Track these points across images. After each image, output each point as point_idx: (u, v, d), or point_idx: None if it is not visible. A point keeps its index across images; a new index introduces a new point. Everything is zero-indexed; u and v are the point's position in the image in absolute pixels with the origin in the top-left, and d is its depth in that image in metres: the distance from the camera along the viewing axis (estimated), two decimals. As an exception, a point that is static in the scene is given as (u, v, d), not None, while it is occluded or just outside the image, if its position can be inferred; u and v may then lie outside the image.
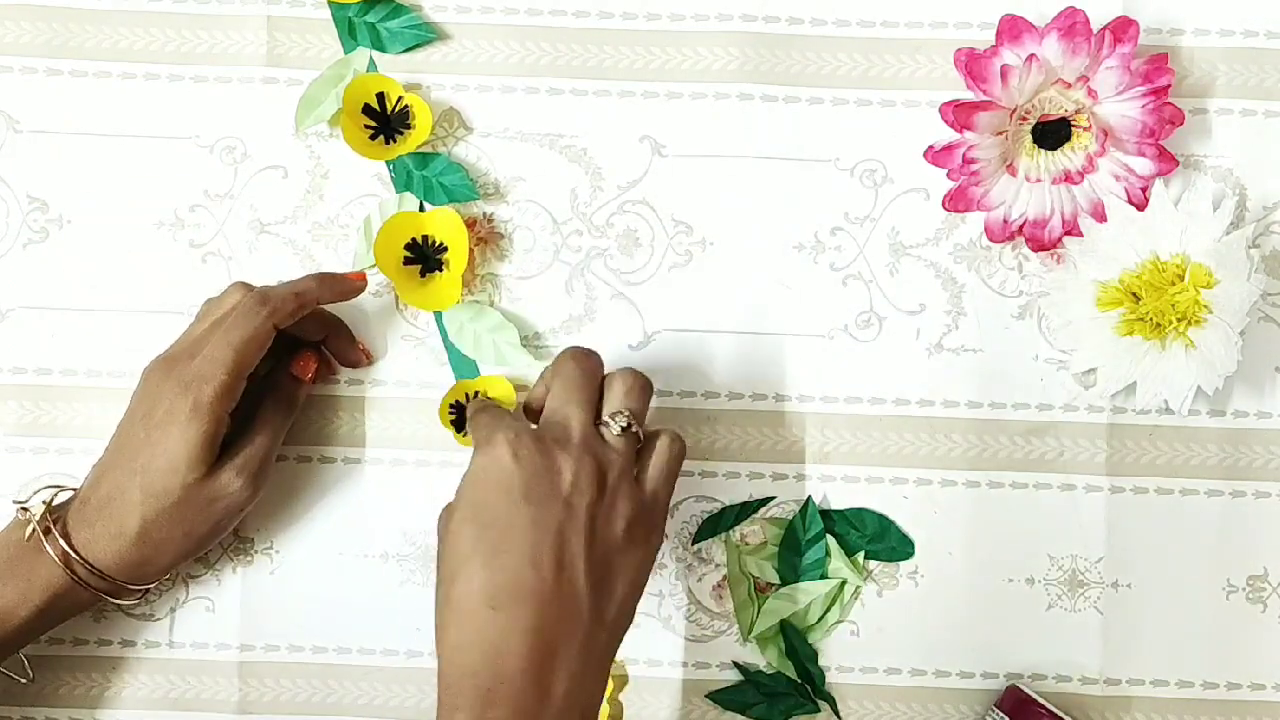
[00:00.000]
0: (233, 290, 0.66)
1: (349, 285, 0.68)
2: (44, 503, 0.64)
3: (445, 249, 0.69)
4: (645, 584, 0.61)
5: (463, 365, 0.70)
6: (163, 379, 0.64)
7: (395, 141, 0.69)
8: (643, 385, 0.63)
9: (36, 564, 0.63)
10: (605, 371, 0.64)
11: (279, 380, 0.67)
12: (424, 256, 0.69)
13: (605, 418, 0.61)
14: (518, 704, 0.55)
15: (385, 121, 0.69)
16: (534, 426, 0.61)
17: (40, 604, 0.63)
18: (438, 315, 0.70)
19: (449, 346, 0.70)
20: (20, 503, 0.64)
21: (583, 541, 0.58)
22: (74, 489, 0.65)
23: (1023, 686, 0.68)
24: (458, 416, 0.69)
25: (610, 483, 0.60)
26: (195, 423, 0.62)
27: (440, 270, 0.69)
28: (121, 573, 0.64)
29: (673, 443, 0.63)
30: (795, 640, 0.69)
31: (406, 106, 0.68)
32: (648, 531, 0.61)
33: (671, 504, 0.69)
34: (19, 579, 0.63)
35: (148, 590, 0.66)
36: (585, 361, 0.63)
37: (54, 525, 0.63)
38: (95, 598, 0.64)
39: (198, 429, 0.62)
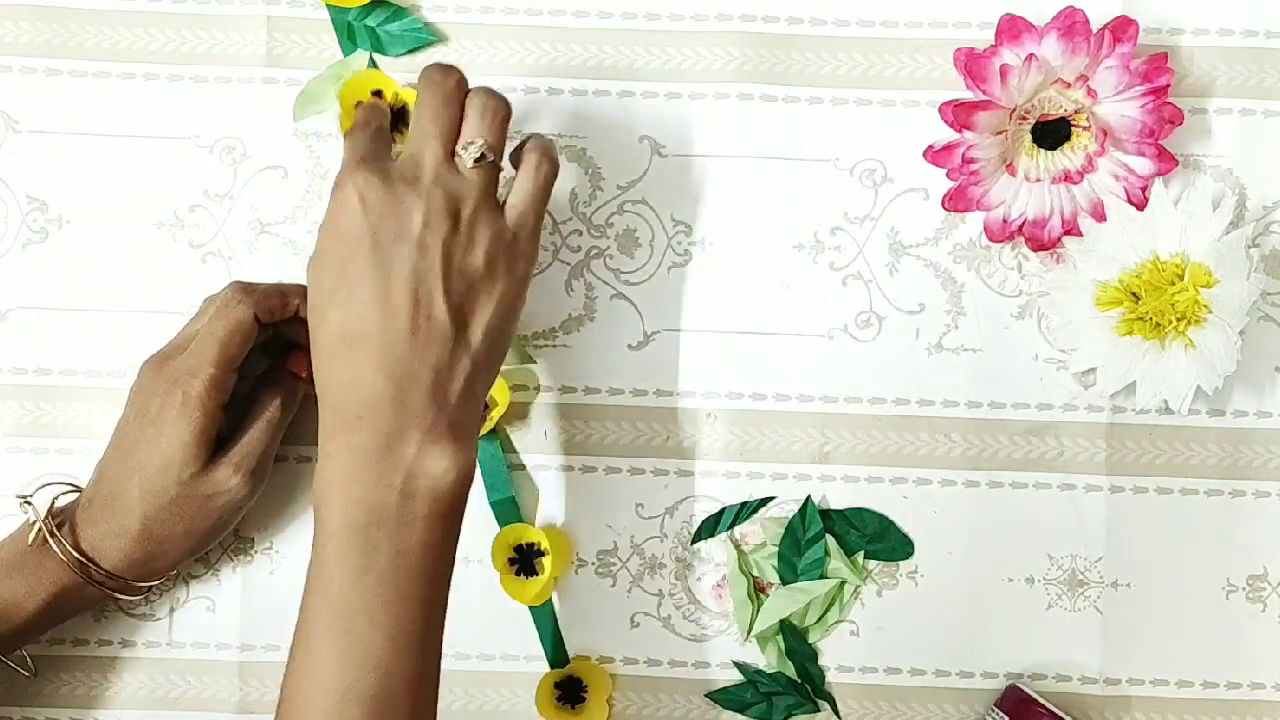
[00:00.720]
0: (226, 288, 0.66)
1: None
2: (47, 506, 0.64)
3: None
4: (517, 314, 0.61)
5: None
6: (155, 376, 0.64)
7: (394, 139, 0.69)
8: (496, 108, 0.61)
9: (43, 561, 0.63)
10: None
11: (277, 377, 0.67)
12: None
13: (457, 149, 0.60)
14: (380, 428, 0.56)
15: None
16: (388, 164, 0.60)
17: (46, 599, 0.63)
18: None
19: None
20: (23, 496, 0.64)
21: (439, 277, 0.58)
22: (78, 486, 0.66)
23: (1023, 686, 0.68)
24: None
25: (465, 216, 0.59)
26: (186, 418, 0.63)
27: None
28: (128, 570, 0.64)
29: (540, 164, 0.62)
30: (795, 640, 0.69)
31: (404, 105, 0.68)
32: (512, 260, 0.60)
33: (672, 503, 0.69)
34: (26, 574, 0.63)
35: (152, 587, 0.66)
36: (442, 86, 0.61)
37: (59, 525, 0.63)
38: (102, 594, 0.64)
39: (189, 424, 0.63)
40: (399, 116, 0.69)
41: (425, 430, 0.57)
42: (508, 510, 0.69)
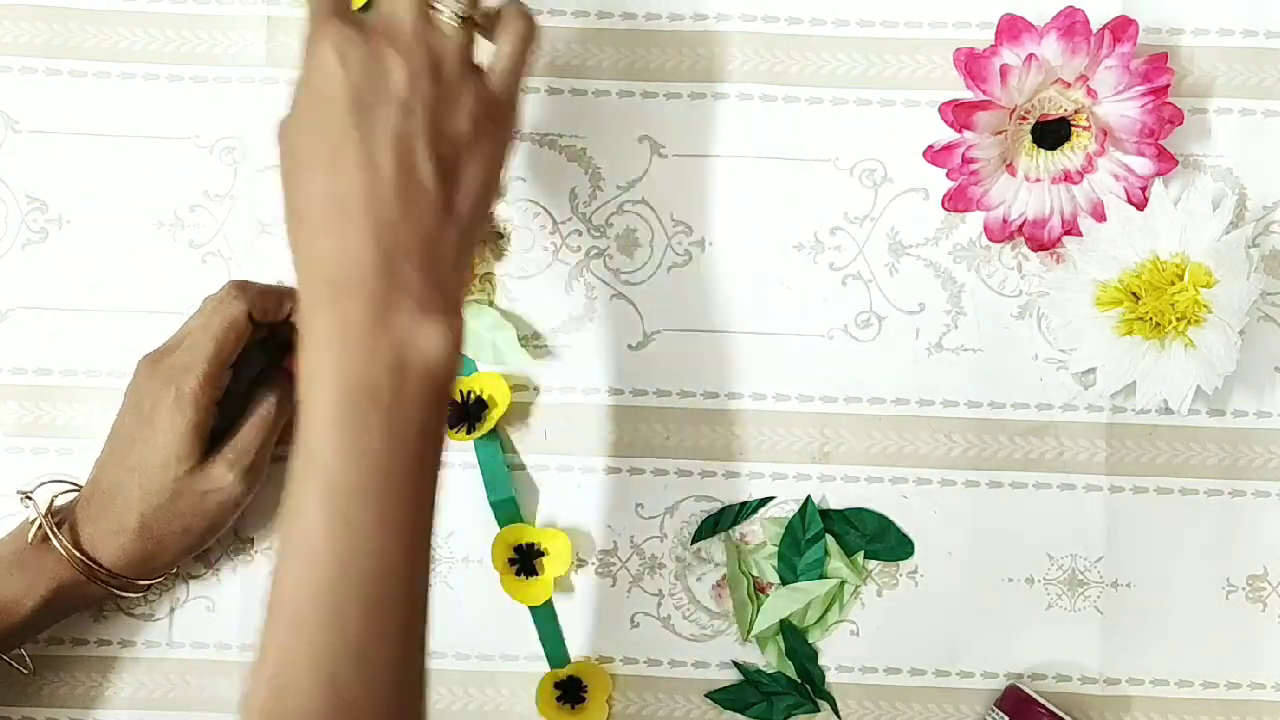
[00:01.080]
0: (223, 286, 0.66)
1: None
2: (47, 503, 0.64)
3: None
4: (499, 178, 0.58)
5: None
6: (149, 374, 0.64)
7: None
8: None
9: (43, 558, 0.63)
10: None
11: (273, 376, 0.67)
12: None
13: (436, 5, 0.57)
14: (370, 298, 0.54)
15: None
16: (361, 17, 0.57)
17: (46, 596, 0.63)
18: None
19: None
20: (24, 492, 0.65)
21: (425, 139, 0.55)
22: (77, 485, 0.66)
23: (1022, 686, 0.68)
24: (453, 414, 0.69)
25: (447, 75, 0.56)
26: (180, 414, 0.63)
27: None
28: (126, 568, 0.64)
29: (519, 23, 0.59)
30: (795, 640, 0.69)
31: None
32: (496, 123, 0.57)
33: (672, 503, 0.69)
34: (27, 571, 0.63)
35: (152, 585, 0.67)
36: None
37: (58, 523, 0.64)
38: (102, 592, 0.65)
39: (183, 420, 0.63)
40: None
41: (417, 301, 0.54)
42: (508, 510, 0.69)
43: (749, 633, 0.69)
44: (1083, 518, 0.69)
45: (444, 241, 0.55)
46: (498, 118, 0.58)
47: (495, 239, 0.70)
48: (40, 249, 0.70)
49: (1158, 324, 0.66)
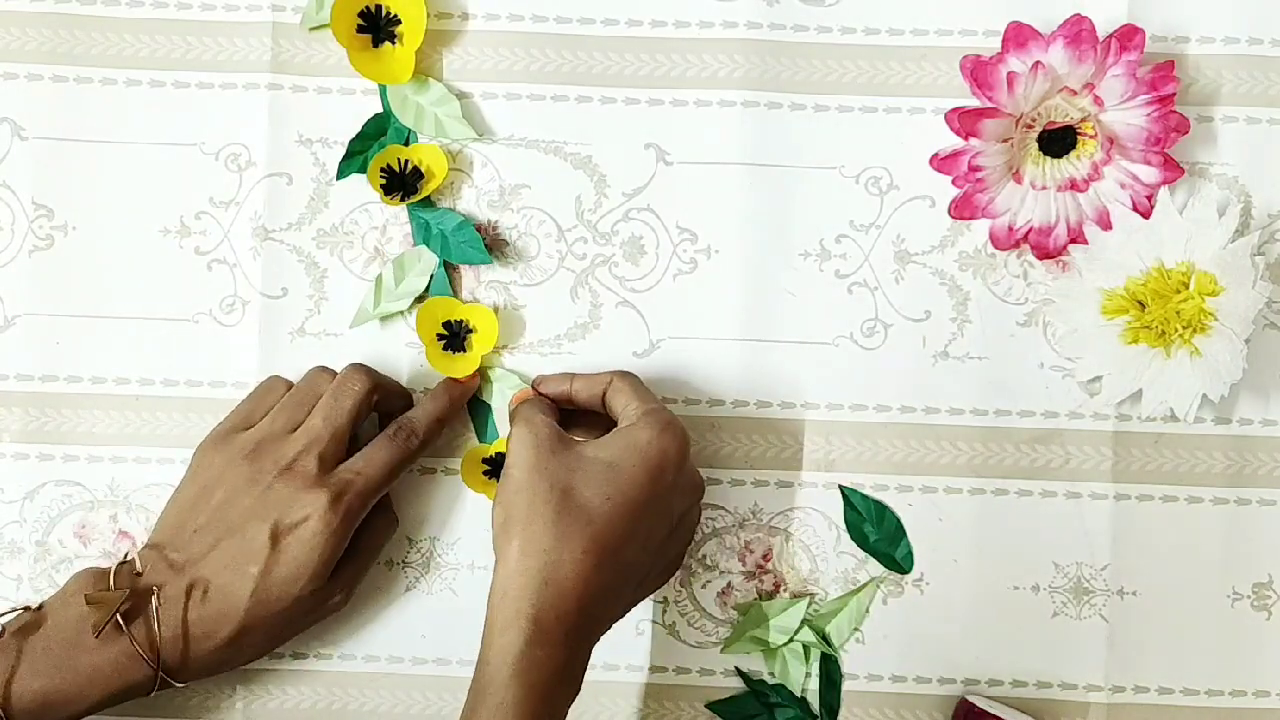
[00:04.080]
0: (343, 378, 0.67)
1: (460, 389, 0.69)
2: (120, 592, 0.62)
3: (399, 22, 0.68)
4: None
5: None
6: (301, 488, 0.63)
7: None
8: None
9: (106, 650, 0.61)
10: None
11: (383, 501, 0.68)
12: (376, 27, 0.68)
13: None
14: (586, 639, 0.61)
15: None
16: (648, 413, 0.63)
17: (107, 694, 0.61)
18: (382, 89, 0.69)
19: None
20: (120, 563, 0.63)
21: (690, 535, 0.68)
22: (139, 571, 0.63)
23: (972, 698, 0.68)
24: (389, 182, 0.69)
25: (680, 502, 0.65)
26: (335, 537, 0.62)
27: (393, 42, 0.68)
28: (200, 671, 0.63)
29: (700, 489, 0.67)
30: (833, 673, 0.69)
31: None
32: (675, 562, 0.68)
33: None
34: (83, 664, 0.61)
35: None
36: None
37: (128, 613, 0.61)
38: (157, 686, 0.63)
39: (335, 543, 0.63)
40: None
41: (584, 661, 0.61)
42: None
43: (725, 648, 0.69)
44: (1088, 526, 0.69)
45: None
46: (676, 560, 0.69)
47: (501, 246, 0.70)
48: (46, 255, 0.70)
49: (1163, 332, 0.66)
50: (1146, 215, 0.67)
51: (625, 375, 0.66)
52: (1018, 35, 0.66)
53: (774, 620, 0.69)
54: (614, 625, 0.63)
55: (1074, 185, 0.68)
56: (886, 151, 0.70)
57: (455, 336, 0.69)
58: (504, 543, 0.60)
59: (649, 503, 0.61)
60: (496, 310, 0.69)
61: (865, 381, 0.69)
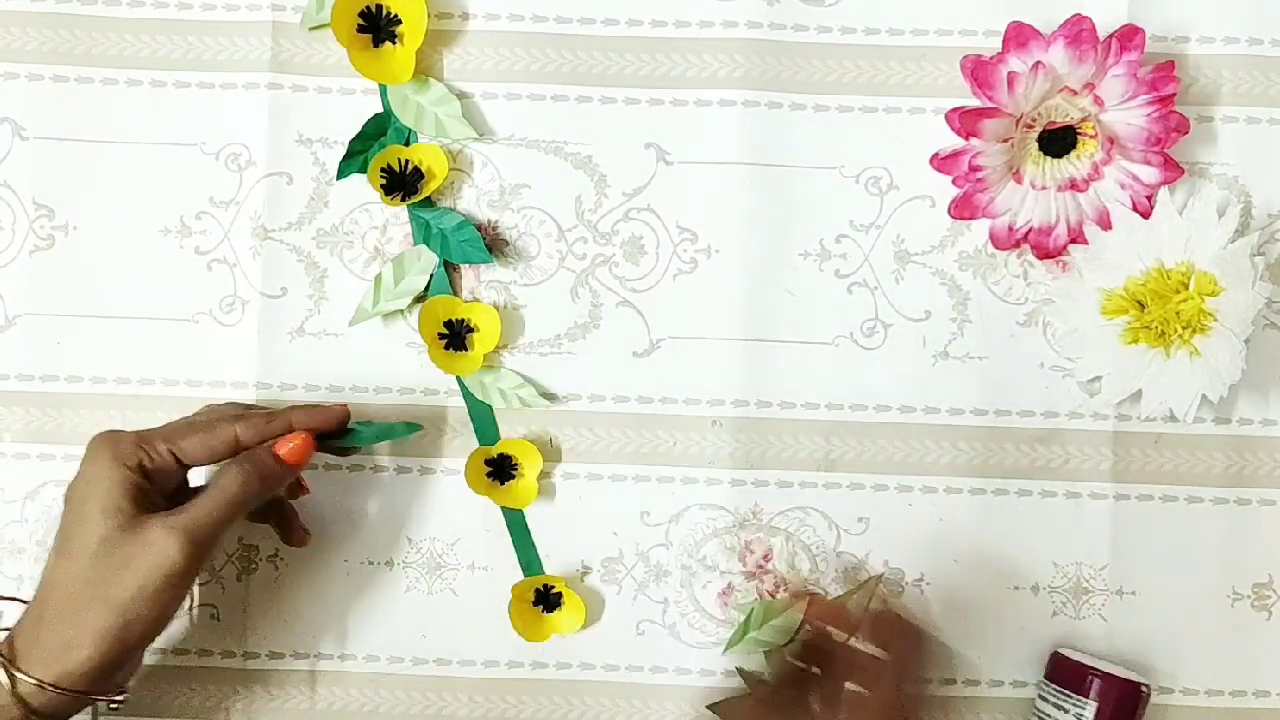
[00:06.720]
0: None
1: (332, 415, 0.64)
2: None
3: (399, 21, 0.68)
4: None
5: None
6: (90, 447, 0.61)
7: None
8: None
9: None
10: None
11: (252, 455, 0.62)
12: (376, 27, 0.68)
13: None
14: None
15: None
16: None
17: None
18: (383, 89, 0.69)
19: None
20: None
21: None
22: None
23: (1063, 650, 0.68)
24: (390, 182, 0.68)
25: None
26: (107, 467, 0.59)
27: (393, 42, 0.68)
28: (43, 666, 0.57)
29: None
30: None
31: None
32: None
33: (678, 511, 0.70)
34: None
35: (90, 698, 0.59)
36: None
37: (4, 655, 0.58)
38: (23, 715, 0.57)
39: (110, 472, 0.58)
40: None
41: None
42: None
43: (727, 648, 0.69)
44: (1088, 526, 0.69)
45: None
46: None
47: (501, 246, 0.70)
48: (47, 255, 0.70)
49: (1163, 332, 0.66)
50: (1146, 215, 0.67)
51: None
52: (1018, 35, 0.66)
53: (774, 620, 0.69)
54: None
55: (1074, 185, 0.68)
56: (886, 151, 0.70)
57: (456, 335, 0.69)
58: None
59: None
60: (497, 309, 0.69)
61: (865, 381, 0.69)
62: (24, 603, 0.60)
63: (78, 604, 0.57)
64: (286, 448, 0.62)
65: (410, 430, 0.67)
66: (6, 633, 0.59)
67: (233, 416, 0.62)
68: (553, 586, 0.69)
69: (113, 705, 0.60)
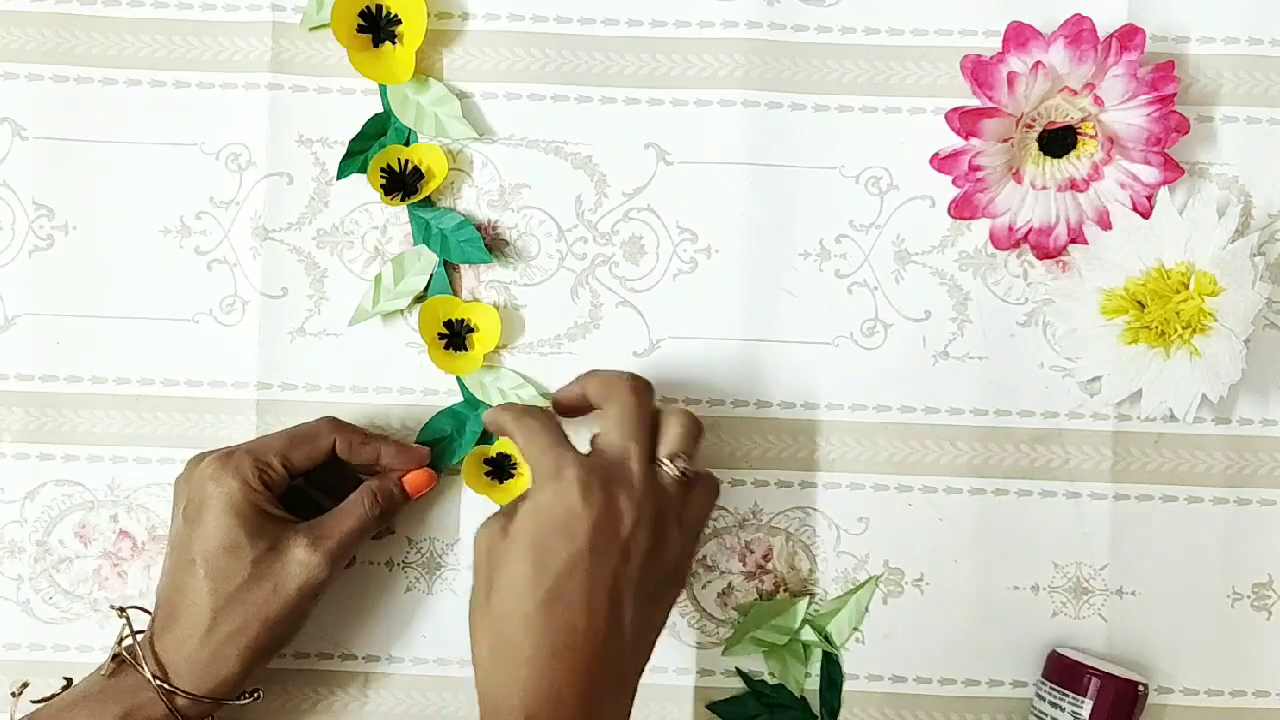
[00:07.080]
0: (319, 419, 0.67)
1: (414, 457, 0.67)
2: (120, 634, 0.64)
3: (399, 21, 0.68)
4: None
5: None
6: (195, 469, 0.64)
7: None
8: (698, 429, 0.62)
9: (116, 687, 0.62)
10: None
11: (384, 484, 0.66)
12: (376, 27, 0.68)
13: (664, 459, 0.60)
14: None
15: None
16: (589, 455, 0.60)
17: None
18: (383, 89, 0.69)
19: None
20: (119, 607, 0.65)
21: (634, 589, 0.58)
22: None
23: (1062, 650, 0.68)
24: (389, 182, 0.69)
25: (663, 529, 0.59)
26: (234, 494, 0.62)
27: (393, 42, 0.68)
28: (197, 681, 0.62)
29: (714, 486, 0.63)
30: (834, 673, 0.69)
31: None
32: (684, 573, 0.62)
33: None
34: (91, 703, 0.61)
35: (222, 702, 0.63)
36: (643, 394, 0.62)
37: (137, 647, 0.63)
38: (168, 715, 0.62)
39: (240, 498, 0.62)
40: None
41: None
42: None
43: (727, 649, 0.69)
44: (1088, 526, 0.69)
45: (629, 683, 0.59)
46: (686, 567, 0.62)
47: (501, 246, 0.70)
48: (47, 255, 0.70)
49: (1163, 332, 0.66)
50: (1146, 215, 0.67)
51: (620, 397, 0.62)
52: (1018, 35, 0.66)
53: (774, 620, 0.69)
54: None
55: (1074, 185, 0.68)
56: (886, 151, 0.70)
57: (457, 335, 0.69)
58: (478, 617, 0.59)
59: (625, 570, 0.58)
60: (497, 309, 0.69)
61: (865, 381, 0.70)
62: (146, 611, 0.65)
63: (231, 622, 0.62)
64: (414, 482, 0.67)
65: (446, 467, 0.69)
66: (130, 640, 0.63)
67: (330, 429, 0.66)
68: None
69: (245, 702, 0.65)
